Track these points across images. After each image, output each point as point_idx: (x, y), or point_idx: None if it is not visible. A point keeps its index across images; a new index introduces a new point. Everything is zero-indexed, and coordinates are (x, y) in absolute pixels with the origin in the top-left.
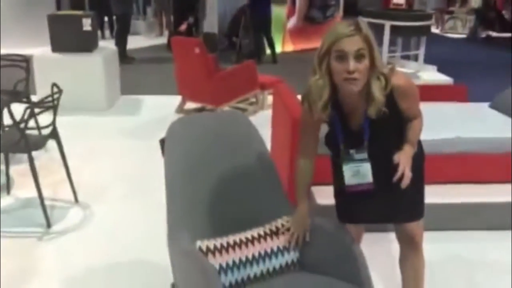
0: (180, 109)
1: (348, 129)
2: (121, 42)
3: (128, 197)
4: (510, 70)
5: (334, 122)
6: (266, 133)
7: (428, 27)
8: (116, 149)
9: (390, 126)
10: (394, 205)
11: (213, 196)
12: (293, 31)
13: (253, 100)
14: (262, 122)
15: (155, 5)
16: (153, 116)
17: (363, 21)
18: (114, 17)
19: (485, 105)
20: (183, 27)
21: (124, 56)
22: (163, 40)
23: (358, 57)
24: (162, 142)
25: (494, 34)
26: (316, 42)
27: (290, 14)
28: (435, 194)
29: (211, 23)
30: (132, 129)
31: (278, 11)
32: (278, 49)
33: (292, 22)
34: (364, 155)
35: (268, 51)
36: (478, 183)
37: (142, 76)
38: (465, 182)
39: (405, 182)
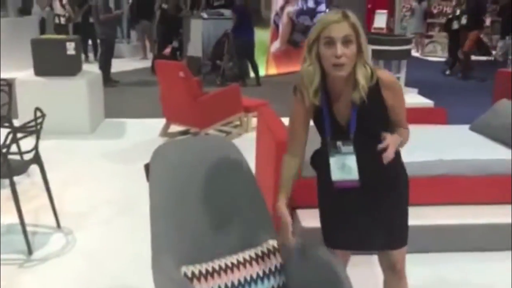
0: (164, 132)
1: (336, 122)
2: (105, 66)
3: (111, 223)
4: (489, 92)
5: (323, 113)
6: (250, 156)
7: (408, 51)
8: (99, 174)
9: (376, 121)
10: (379, 227)
11: (198, 221)
12: (277, 54)
13: (238, 123)
14: (247, 145)
15: (140, 29)
16: (137, 139)
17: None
18: (98, 40)
19: (465, 128)
20: (167, 50)
21: (108, 80)
22: (147, 63)
23: (346, 42)
24: (147, 167)
25: (473, 57)
26: (299, 65)
27: (274, 37)
28: (417, 216)
29: (195, 47)
30: (116, 153)
31: (261, 35)
32: (262, 72)
33: (275, 46)
34: (350, 148)
35: (252, 74)
36: (460, 204)
37: (126, 100)
38: (447, 204)
39: (388, 155)
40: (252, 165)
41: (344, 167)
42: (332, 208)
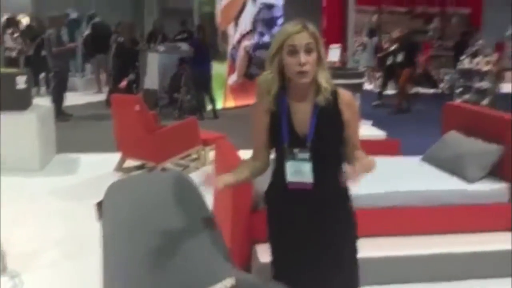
0: (119, 167)
1: (293, 129)
2: (58, 99)
3: (60, 264)
4: (438, 124)
5: (281, 120)
6: (208, 190)
7: (361, 84)
8: (48, 212)
9: (332, 132)
10: (329, 269)
11: (152, 262)
12: (234, 87)
13: (195, 156)
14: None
15: (95, 62)
16: (90, 175)
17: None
18: (51, 74)
19: (417, 159)
20: (123, 83)
21: (61, 113)
22: (101, 97)
23: (308, 50)
24: (99, 205)
25: (420, 90)
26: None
27: (231, 71)
28: (370, 248)
29: (151, 80)
30: (67, 190)
31: (218, 68)
32: (220, 105)
33: (232, 79)
34: (306, 155)
35: (209, 107)
36: (412, 235)
37: (80, 134)
38: (400, 235)
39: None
40: (210, 199)
41: (300, 171)
42: (283, 244)
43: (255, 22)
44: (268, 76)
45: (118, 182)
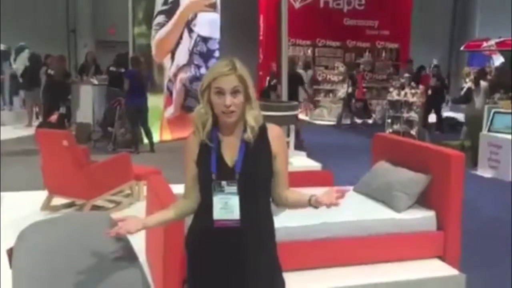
0: (46, 205)
1: (222, 161)
2: None
3: None
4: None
5: (211, 151)
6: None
7: (295, 116)
8: None
9: (261, 164)
10: None
11: None
12: (171, 120)
13: (129, 191)
14: (138, 215)
15: (30, 95)
16: (13, 215)
17: (239, 61)
18: None
19: (349, 189)
20: (54, 117)
21: None
22: (32, 131)
23: (234, 92)
24: (10, 252)
25: (358, 120)
26: None
27: (167, 103)
28: (304, 280)
29: (84, 113)
30: None
31: (155, 101)
32: (156, 138)
33: (169, 112)
34: (234, 188)
35: (145, 140)
36: (346, 266)
37: (5, 170)
38: (334, 266)
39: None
40: (142, 239)
41: (227, 206)
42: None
43: (191, 55)
44: (201, 111)
45: (30, 226)
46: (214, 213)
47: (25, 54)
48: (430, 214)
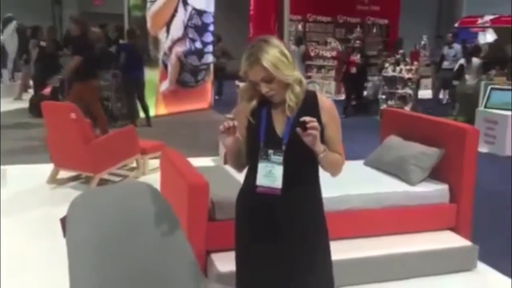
0: (52, 178)
1: (272, 130)
2: None
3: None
4: (377, 131)
5: (261, 119)
6: None
7: None
8: None
9: None
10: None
11: (124, 278)
12: (166, 94)
13: (133, 165)
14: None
15: (26, 67)
16: (21, 188)
17: (271, 43)
18: None
19: (360, 163)
20: (47, 90)
21: None
22: (21, 104)
23: (267, 81)
24: (63, 220)
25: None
26: (188, 104)
27: (163, 77)
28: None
29: None
30: None
31: (150, 75)
32: (151, 112)
33: (164, 86)
34: (280, 158)
35: (142, 114)
36: (359, 238)
37: (5, 144)
38: (348, 238)
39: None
40: None
41: (270, 174)
42: (250, 252)
43: (186, 28)
44: (247, 85)
45: (82, 195)
46: (258, 179)
47: (11, 26)
48: (443, 187)
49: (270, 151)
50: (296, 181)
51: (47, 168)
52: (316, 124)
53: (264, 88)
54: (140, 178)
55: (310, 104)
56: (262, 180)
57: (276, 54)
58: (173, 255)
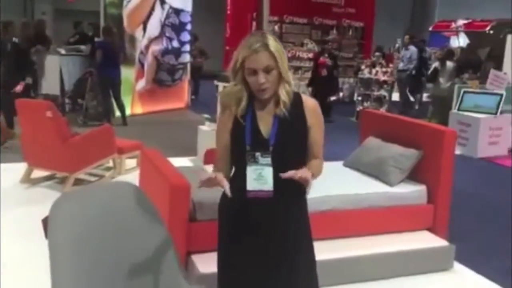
0: (26, 178)
1: (257, 132)
2: None
3: None
4: (355, 132)
5: (246, 123)
6: None
7: None
8: None
9: (295, 136)
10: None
11: (106, 278)
12: (142, 93)
13: (109, 165)
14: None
15: None
16: None
17: (271, 35)
18: None
19: (339, 164)
20: (19, 87)
21: None
22: None
23: (267, 70)
24: (45, 221)
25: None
26: (165, 104)
27: (139, 76)
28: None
29: (51, 84)
30: None
31: (126, 73)
32: (127, 111)
33: (141, 85)
34: (268, 159)
35: (117, 113)
36: (339, 238)
37: None
38: (327, 239)
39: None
40: None
41: (260, 177)
42: (237, 255)
43: (163, 27)
44: (233, 88)
45: (64, 196)
46: (248, 184)
47: None
48: (421, 188)
49: (257, 154)
50: (286, 182)
51: (21, 167)
52: (306, 175)
53: (262, 79)
54: (117, 178)
55: (295, 105)
56: (252, 184)
57: (278, 45)
58: (157, 255)
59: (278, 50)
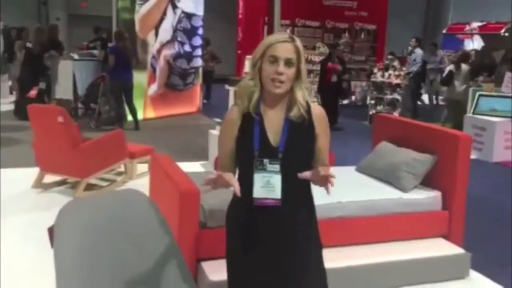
0: (38, 183)
1: (265, 139)
2: None
3: None
4: (368, 136)
5: (254, 128)
6: None
7: None
8: None
9: (304, 144)
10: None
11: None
12: (154, 98)
13: (120, 169)
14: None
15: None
16: (5, 192)
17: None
18: None
19: (351, 169)
20: (33, 92)
21: None
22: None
23: (288, 64)
24: (51, 230)
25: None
26: (177, 108)
27: (151, 81)
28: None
29: (64, 89)
30: None
31: (138, 78)
32: (139, 116)
33: (153, 89)
34: (277, 166)
35: (129, 118)
36: (353, 245)
37: None
38: (341, 245)
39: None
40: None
41: (268, 185)
42: (245, 264)
43: (175, 31)
44: (249, 82)
45: (70, 204)
46: (255, 191)
47: None
48: (435, 194)
49: (266, 160)
50: (293, 188)
51: (34, 172)
52: (328, 173)
53: (282, 68)
54: (128, 183)
55: (305, 111)
56: (260, 192)
57: (302, 46)
58: (165, 264)
59: (302, 49)
